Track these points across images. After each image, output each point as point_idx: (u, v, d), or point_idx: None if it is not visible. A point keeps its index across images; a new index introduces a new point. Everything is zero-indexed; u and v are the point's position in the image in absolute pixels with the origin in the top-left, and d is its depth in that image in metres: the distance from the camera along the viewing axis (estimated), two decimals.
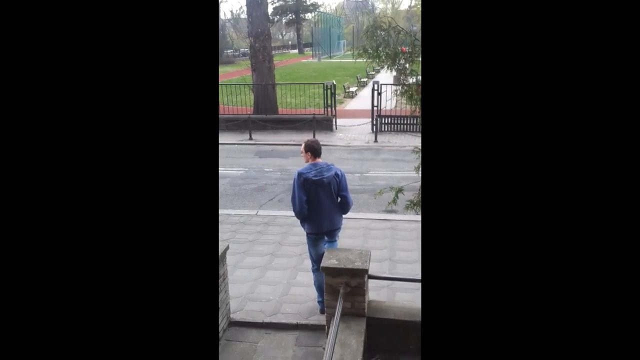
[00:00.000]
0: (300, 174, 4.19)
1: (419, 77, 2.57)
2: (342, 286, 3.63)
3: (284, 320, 4.33)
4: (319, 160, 4.30)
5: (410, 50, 2.60)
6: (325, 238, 4.38)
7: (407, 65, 2.51)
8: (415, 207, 2.54)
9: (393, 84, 14.64)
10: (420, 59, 2.60)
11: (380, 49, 2.55)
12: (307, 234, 4.39)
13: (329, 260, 3.72)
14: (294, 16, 52.22)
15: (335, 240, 4.44)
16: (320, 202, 4.22)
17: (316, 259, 4.34)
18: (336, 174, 4.27)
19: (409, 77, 2.60)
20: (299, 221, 4.45)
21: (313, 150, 4.28)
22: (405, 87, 2.62)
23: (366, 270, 3.65)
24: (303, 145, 4.34)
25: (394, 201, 2.56)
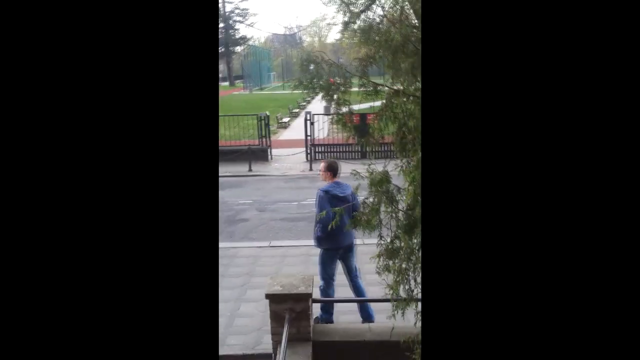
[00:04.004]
0: (326, 191, 4.46)
1: (351, 107, 2.74)
2: (287, 312, 3.67)
3: (229, 352, 4.27)
4: (337, 179, 4.59)
5: (341, 81, 2.78)
6: (340, 253, 4.62)
7: (340, 95, 2.68)
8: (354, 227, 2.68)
9: (324, 114, 15.07)
10: (351, 89, 2.78)
11: (314, 80, 2.70)
12: (326, 249, 4.58)
13: (273, 287, 3.75)
14: (223, 49, 52.39)
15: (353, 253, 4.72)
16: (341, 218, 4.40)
17: (329, 276, 4.61)
18: (352, 193, 4.48)
19: (342, 107, 2.77)
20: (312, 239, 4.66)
21: (333, 170, 4.59)
22: (340, 116, 2.79)
23: (310, 295, 3.72)
24: (323, 165, 4.67)
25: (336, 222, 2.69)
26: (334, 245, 4.54)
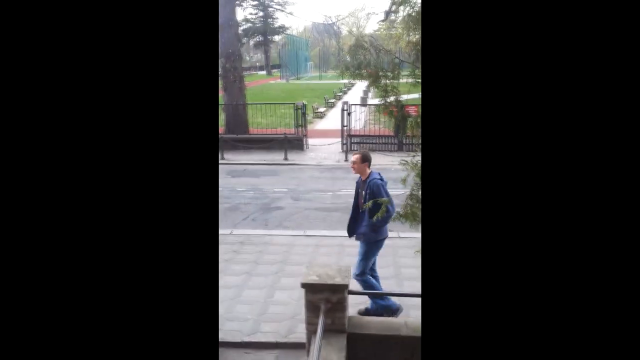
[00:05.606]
0: (383, 180, 4.33)
1: (402, 97, 2.67)
2: (323, 302, 3.64)
3: (263, 339, 4.29)
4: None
5: (389, 68, 2.70)
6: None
7: (388, 83, 2.60)
8: (401, 219, 2.61)
9: (361, 104, 14.91)
10: (399, 80, 2.70)
11: (362, 67, 2.64)
12: (381, 240, 4.45)
13: (309, 277, 3.72)
14: (262, 38, 52.64)
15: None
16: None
17: (373, 265, 4.57)
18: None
19: (389, 95, 2.69)
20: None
21: (369, 160, 4.44)
22: (386, 105, 2.71)
23: (347, 286, 3.67)
24: (359, 156, 4.41)
25: (382, 213, 2.63)
26: (385, 235, 4.46)
